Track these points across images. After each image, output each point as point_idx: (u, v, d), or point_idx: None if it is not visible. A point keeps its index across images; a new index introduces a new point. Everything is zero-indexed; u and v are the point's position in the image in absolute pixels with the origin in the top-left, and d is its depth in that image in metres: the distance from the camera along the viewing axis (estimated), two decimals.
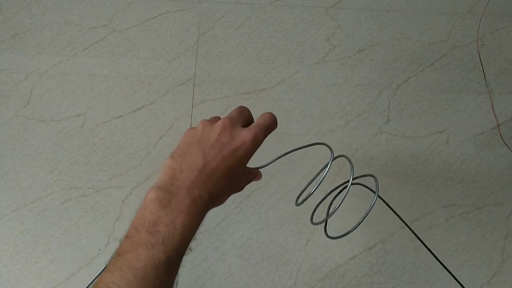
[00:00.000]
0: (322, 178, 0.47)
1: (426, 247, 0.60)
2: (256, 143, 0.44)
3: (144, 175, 0.84)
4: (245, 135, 0.43)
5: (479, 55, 0.98)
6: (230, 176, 0.42)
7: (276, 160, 0.50)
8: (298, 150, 0.48)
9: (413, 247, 0.79)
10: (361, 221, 0.48)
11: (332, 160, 0.47)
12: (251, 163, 0.48)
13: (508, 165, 0.86)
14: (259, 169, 0.49)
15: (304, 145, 0.49)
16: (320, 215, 0.58)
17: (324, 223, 0.54)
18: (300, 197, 0.52)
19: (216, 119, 0.45)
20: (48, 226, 0.79)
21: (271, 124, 0.46)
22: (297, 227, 0.80)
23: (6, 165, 0.84)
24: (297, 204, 0.52)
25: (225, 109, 0.90)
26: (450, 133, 0.90)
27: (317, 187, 0.48)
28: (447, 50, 0.99)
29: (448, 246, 0.79)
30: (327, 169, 0.47)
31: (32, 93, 0.91)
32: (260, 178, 0.50)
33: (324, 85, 0.94)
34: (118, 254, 0.36)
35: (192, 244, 0.40)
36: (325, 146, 0.49)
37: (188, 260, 0.77)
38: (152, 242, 0.35)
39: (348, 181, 0.49)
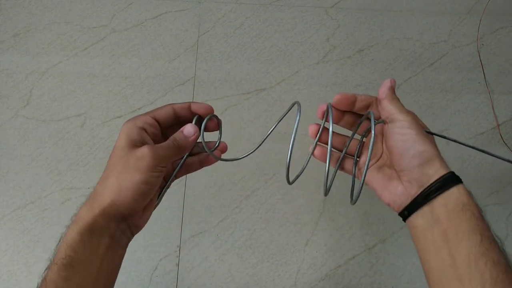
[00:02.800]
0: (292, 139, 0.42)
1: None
2: None
3: None
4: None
5: (479, 55, 0.98)
6: (129, 177, 0.40)
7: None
8: (291, 153, 0.43)
9: (413, 247, 0.78)
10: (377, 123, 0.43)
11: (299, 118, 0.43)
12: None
13: (508, 165, 0.86)
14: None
15: (284, 113, 0.46)
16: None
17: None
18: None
19: None
20: (48, 226, 0.79)
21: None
22: (297, 227, 0.80)
23: (6, 165, 0.84)
24: (290, 183, 0.50)
25: (225, 109, 0.90)
26: (450, 133, 0.90)
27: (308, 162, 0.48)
28: (447, 50, 0.99)
29: None
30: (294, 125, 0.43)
31: (32, 93, 0.91)
32: None
33: (324, 85, 0.94)
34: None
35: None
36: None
37: (188, 260, 0.77)
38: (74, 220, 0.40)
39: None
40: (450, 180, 0.38)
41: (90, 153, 0.85)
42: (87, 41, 0.98)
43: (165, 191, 0.44)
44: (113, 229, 0.38)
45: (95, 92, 0.92)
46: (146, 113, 0.41)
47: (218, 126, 0.45)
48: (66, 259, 0.36)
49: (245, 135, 0.88)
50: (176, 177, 0.45)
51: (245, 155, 0.45)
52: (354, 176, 0.48)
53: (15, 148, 0.86)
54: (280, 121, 0.46)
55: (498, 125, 0.90)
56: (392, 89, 0.44)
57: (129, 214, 0.39)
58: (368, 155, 0.40)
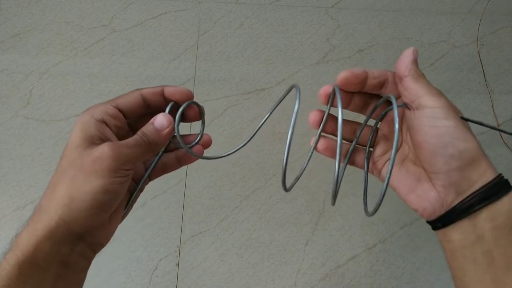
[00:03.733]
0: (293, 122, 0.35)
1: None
2: None
3: None
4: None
5: (479, 55, 0.98)
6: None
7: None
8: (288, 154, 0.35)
9: (413, 247, 0.79)
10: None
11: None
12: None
13: (508, 165, 0.86)
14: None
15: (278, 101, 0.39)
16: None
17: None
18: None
19: None
20: None
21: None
22: (297, 227, 0.80)
23: (6, 165, 0.84)
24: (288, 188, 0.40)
25: (225, 109, 0.90)
26: None
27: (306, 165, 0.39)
28: (447, 50, 0.99)
29: None
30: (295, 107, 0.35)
31: (32, 93, 0.91)
32: None
33: (324, 85, 0.93)
34: None
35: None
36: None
37: (188, 260, 0.77)
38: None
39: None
40: (499, 187, 0.30)
41: None
42: (87, 41, 0.98)
43: (136, 197, 0.35)
44: (65, 255, 0.29)
45: (95, 92, 0.92)
46: (107, 102, 0.32)
47: (199, 115, 0.35)
48: None
49: (245, 135, 0.88)
50: (150, 178, 0.36)
51: (230, 152, 0.37)
52: (366, 174, 0.38)
53: (15, 148, 0.86)
54: (276, 106, 0.39)
55: (498, 125, 0.90)
56: (416, 63, 0.33)
57: (85, 232, 0.30)
58: (392, 154, 0.30)
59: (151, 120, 0.32)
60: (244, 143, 0.37)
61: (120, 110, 0.32)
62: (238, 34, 1.00)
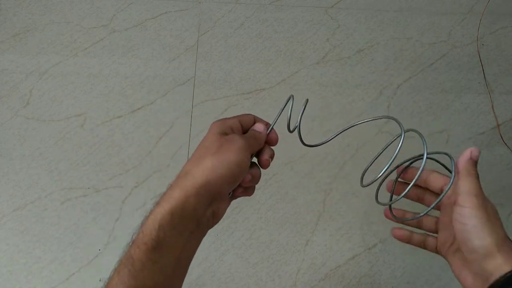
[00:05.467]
0: (394, 155, 0.42)
1: None
2: None
3: (144, 175, 0.84)
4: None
5: (479, 55, 0.98)
6: (222, 163, 0.41)
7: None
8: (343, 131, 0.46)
9: (413, 247, 0.78)
10: (435, 204, 0.43)
11: (404, 134, 0.43)
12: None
13: (508, 165, 0.86)
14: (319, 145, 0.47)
15: (370, 118, 0.46)
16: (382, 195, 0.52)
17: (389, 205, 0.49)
18: (365, 177, 0.46)
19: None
20: (48, 226, 0.79)
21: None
22: (297, 227, 0.80)
23: (6, 165, 0.84)
24: (364, 185, 0.46)
25: (225, 109, 0.90)
26: (450, 133, 0.90)
27: (387, 168, 0.43)
28: (447, 50, 0.99)
29: None
30: (399, 145, 0.42)
31: (32, 93, 0.91)
32: None
33: (324, 85, 0.94)
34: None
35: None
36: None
37: None
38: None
39: (419, 156, 0.44)
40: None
41: (90, 153, 0.85)
42: (87, 41, 0.98)
43: (236, 189, 0.44)
44: (200, 214, 0.38)
45: (95, 92, 0.92)
46: (233, 117, 0.44)
47: (276, 140, 0.48)
48: (156, 240, 0.36)
49: (272, 119, 0.88)
50: (234, 195, 0.45)
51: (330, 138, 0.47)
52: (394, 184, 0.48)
53: (15, 148, 0.86)
54: (277, 119, 0.47)
55: (498, 125, 0.90)
56: (472, 162, 0.40)
57: (217, 197, 0.39)
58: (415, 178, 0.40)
59: (253, 126, 0.45)
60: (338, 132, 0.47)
61: (240, 124, 0.44)
62: (238, 34, 1.00)
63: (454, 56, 0.99)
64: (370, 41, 1.00)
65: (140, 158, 0.85)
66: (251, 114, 0.45)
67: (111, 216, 0.80)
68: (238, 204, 0.81)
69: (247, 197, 0.82)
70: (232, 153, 0.39)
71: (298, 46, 0.99)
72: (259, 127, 0.45)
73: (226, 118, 0.43)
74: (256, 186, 0.91)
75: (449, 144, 0.88)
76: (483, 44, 1.00)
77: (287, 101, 0.46)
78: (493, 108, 0.92)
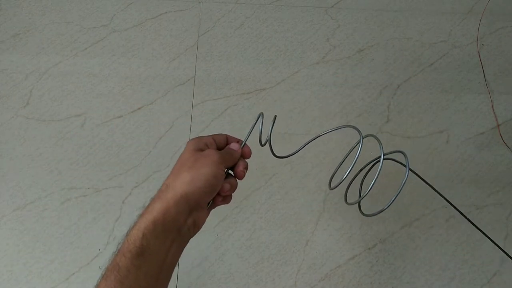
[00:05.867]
0: (355, 159, 0.48)
1: (475, 226, 0.61)
2: None
3: (144, 175, 0.84)
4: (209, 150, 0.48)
5: (479, 55, 0.98)
6: (199, 175, 0.45)
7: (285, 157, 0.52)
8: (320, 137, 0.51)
9: (413, 247, 0.79)
10: (396, 197, 0.49)
11: (362, 140, 0.49)
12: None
13: (508, 165, 0.86)
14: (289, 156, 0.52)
15: (331, 129, 0.51)
16: (351, 195, 0.58)
17: (358, 203, 0.56)
18: (333, 180, 0.54)
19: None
20: (48, 226, 0.79)
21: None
22: (297, 227, 0.80)
23: (6, 165, 0.84)
24: (331, 188, 0.53)
25: (225, 109, 0.90)
26: (450, 133, 0.90)
27: (350, 170, 0.49)
28: (447, 50, 0.99)
29: (448, 246, 0.79)
30: (359, 150, 0.49)
31: (32, 93, 0.91)
32: None
33: (324, 85, 0.94)
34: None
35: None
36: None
37: (188, 261, 0.77)
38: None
39: (378, 158, 0.50)
40: None
41: (90, 153, 0.85)
42: (87, 41, 0.98)
43: (213, 201, 0.48)
44: (181, 223, 0.41)
45: (95, 92, 0.92)
46: (208, 136, 0.49)
47: (249, 154, 0.52)
48: (140, 248, 0.39)
49: (245, 135, 0.88)
50: (214, 203, 0.48)
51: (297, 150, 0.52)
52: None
53: (15, 148, 0.86)
54: (248, 136, 0.51)
55: (498, 125, 0.90)
56: None
57: (196, 207, 0.43)
58: None
59: (229, 145, 0.50)
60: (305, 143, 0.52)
61: (215, 141, 0.48)
62: (238, 34, 1.00)
63: (454, 56, 0.99)
64: (370, 41, 1.00)
65: (140, 158, 0.85)
66: (224, 134, 0.50)
67: (111, 216, 0.80)
68: (238, 204, 0.81)
69: (247, 197, 0.82)
70: (207, 167, 0.43)
71: (298, 46, 0.99)
72: (234, 146, 0.49)
73: (201, 136, 0.48)
74: (256, 186, 0.91)
75: (449, 144, 0.88)
76: (483, 44, 1.00)
77: (257, 119, 0.50)
78: (493, 108, 0.92)
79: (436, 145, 0.88)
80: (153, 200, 0.42)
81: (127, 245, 0.39)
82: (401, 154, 0.50)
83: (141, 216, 0.41)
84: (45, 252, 0.77)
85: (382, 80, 0.95)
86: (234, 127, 0.89)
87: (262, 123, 0.50)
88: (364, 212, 0.56)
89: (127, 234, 0.40)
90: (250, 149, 0.51)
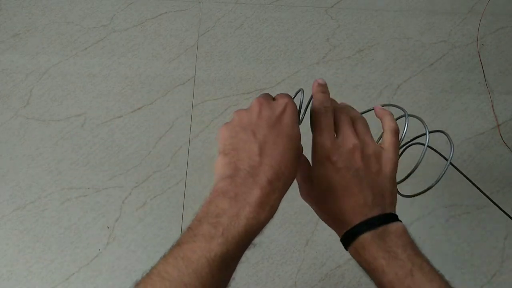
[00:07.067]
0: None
1: (508, 215, 0.59)
2: (293, 103, 0.42)
3: (144, 175, 0.84)
4: (282, 100, 0.41)
5: (479, 55, 0.98)
6: (286, 143, 0.39)
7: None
8: None
9: None
10: (436, 182, 0.47)
11: (408, 118, 0.47)
12: None
13: (508, 165, 0.86)
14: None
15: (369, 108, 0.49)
16: None
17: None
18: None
19: (247, 109, 0.43)
20: (48, 226, 0.79)
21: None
22: (297, 227, 0.80)
23: (6, 165, 0.84)
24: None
25: (225, 109, 0.90)
26: (450, 133, 0.89)
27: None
28: (447, 50, 0.99)
29: (448, 246, 0.79)
30: (405, 129, 0.47)
31: (32, 93, 0.91)
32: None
33: None
34: (177, 244, 0.35)
35: (257, 239, 0.37)
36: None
37: None
38: (211, 234, 0.33)
39: (410, 141, 0.49)
40: None
41: (90, 153, 0.85)
42: (87, 41, 0.98)
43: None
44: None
45: (95, 92, 0.92)
46: None
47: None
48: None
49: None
50: None
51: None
52: None
53: (15, 148, 0.86)
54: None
55: (498, 125, 0.90)
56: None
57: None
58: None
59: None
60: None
61: None
62: (238, 34, 1.00)
63: (454, 56, 0.99)
64: (370, 41, 1.00)
65: (140, 158, 0.85)
66: None
67: (111, 216, 0.80)
68: None
69: None
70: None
71: (298, 46, 0.99)
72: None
73: None
74: None
75: (449, 144, 0.88)
76: (483, 44, 1.00)
77: (296, 94, 0.46)
78: (493, 108, 0.92)
79: (436, 145, 0.88)
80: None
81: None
82: (443, 133, 0.48)
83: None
84: (45, 252, 0.77)
85: (382, 80, 0.95)
86: None
87: (302, 99, 0.46)
88: (403, 193, 0.53)
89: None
90: None
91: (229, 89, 0.93)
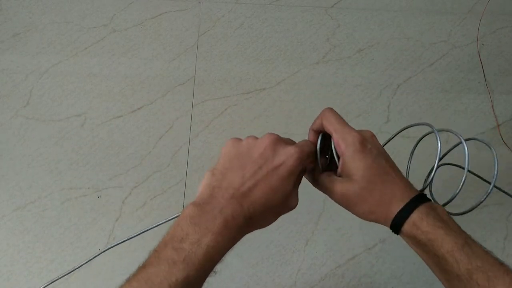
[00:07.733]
0: (438, 157, 0.48)
1: None
2: (302, 159, 0.41)
3: (144, 175, 0.84)
4: (289, 150, 0.41)
5: (479, 55, 0.98)
6: (270, 196, 0.39)
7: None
8: None
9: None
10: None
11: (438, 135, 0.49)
12: None
13: (508, 165, 0.86)
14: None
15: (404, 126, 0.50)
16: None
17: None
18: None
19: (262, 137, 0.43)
20: (48, 226, 0.79)
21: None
22: (297, 227, 0.80)
23: (6, 165, 0.84)
24: (424, 188, 0.51)
25: (225, 108, 0.90)
26: (450, 133, 0.89)
27: (436, 169, 0.49)
28: (447, 50, 0.99)
29: None
30: (439, 144, 0.49)
31: (32, 93, 0.91)
32: None
33: (324, 85, 0.94)
34: (143, 266, 0.35)
35: (218, 267, 0.38)
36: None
37: None
38: (174, 259, 0.34)
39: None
40: None
41: (90, 153, 0.85)
42: (87, 41, 0.98)
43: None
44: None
45: (95, 92, 0.92)
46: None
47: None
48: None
49: (245, 135, 0.88)
50: None
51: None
52: None
53: (15, 148, 0.86)
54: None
55: (498, 125, 0.90)
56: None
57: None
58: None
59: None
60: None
61: None
62: (238, 34, 1.00)
63: (454, 56, 0.99)
64: (370, 41, 1.00)
65: (140, 158, 0.85)
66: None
67: (111, 216, 0.80)
68: None
69: None
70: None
71: (298, 46, 0.99)
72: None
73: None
74: None
75: (449, 144, 0.88)
76: (483, 44, 1.00)
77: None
78: (493, 108, 0.92)
79: (436, 144, 0.88)
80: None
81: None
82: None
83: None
84: (45, 252, 0.77)
85: (382, 80, 0.95)
86: (234, 127, 0.89)
87: (319, 143, 0.47)
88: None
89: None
90: None
91: (229, 89, 0.93)
